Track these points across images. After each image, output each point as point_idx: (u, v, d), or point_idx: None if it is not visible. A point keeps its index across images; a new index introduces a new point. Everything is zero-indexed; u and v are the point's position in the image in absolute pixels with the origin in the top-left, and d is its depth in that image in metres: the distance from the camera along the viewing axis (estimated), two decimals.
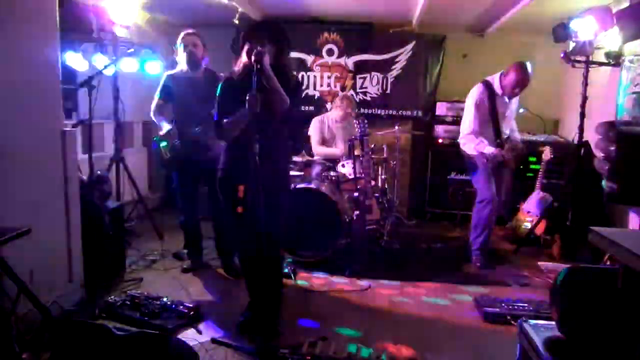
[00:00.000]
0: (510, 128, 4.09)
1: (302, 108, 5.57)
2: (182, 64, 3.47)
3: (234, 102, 2.43)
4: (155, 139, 3.57)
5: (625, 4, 3.85)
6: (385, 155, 4.80)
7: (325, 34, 5.65)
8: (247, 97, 2.30)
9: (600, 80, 4.34)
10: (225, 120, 2.51)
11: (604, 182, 1.31)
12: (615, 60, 4.04)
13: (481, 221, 3.91)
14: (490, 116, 3.86)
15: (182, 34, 3.46)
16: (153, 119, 3.57)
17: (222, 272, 3.68)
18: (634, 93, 3.83)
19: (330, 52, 5.69)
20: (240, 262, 2.87)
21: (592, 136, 3.21)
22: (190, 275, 3.59)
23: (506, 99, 3.88)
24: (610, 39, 4.03)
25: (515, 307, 3.00)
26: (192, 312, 2.80)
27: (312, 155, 4.54)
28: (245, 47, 2.46)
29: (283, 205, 2.73)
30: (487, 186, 3.88)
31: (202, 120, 3.42)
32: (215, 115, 2.58)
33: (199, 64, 3.45)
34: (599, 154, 1.33)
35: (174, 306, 2.84)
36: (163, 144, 3.51)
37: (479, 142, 3.81)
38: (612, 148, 1.20)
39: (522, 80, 3.73)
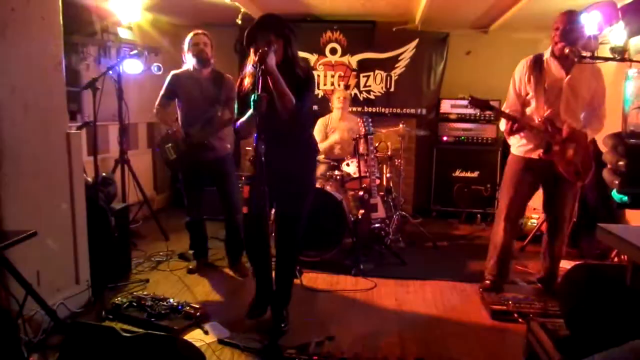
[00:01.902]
0: (586, 118, 3.05)
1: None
2: (188, 64, 3.45)
3: (247, 102, 2.44)
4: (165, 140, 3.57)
5: None
6: (389, 153, 4.79)
7: (328, 33, 5.64)
8: (252, 99, 2.31)
9: (606, 75, 4.30)
10: (238, 122, 2.55)
11: (614, 193, 1.30)
12: (620, 55, 4.00)
13: (492, 242, 3.29)
14: (535, 91, 3.01)
15: (191, 34, 3.42)
16: (156, 117, 3.56)
17: (228, 272, 3.68)
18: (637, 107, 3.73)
19: (333, 51, 5.68)
20: (249, 260, 2.88)
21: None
22: (196, 275, 3.59)
23: (562, 71, 2.97)
24: (616, 33, 3.99)
25: (523, 304, 2.99)
26: (198, 313, 2.80)
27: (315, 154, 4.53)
28: (252, 48, 2.46)
29: (300, 208, 2.69)
30: (505, 196, 3.18)
31: (207, 120, 3.42)
32: (235, 115, 2.65)
33: (209, 63, 3.43)
34: (607, 165, 1.34)
35: (180, 307, 2.84)
36: (168, 144, 3.51)
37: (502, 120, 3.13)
38: (621, 163, 1.19)
39: (562, 26, 2.89)
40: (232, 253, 3.68)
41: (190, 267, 3.70)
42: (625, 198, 1.27)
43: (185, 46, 3.42)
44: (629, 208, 1.35)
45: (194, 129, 3.42)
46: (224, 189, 3.55)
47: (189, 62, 3.43)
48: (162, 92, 3.50)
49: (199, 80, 3.42)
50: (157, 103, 3.51)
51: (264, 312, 2.82)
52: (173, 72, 3.52)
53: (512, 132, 3.05)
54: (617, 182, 1.25)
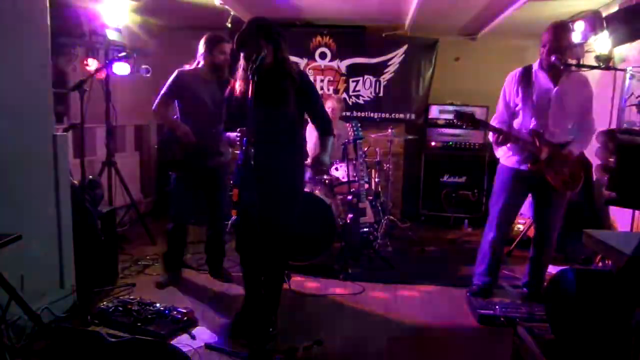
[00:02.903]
0: (575, 131, 3.07)
1: None
2: (202, 64, 3.30)
3: (237, 112, 2.44)
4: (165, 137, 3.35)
5: (615, 8, 3.90)
6: (378, 158, 4.81)
7: (318, 38, 5.66)
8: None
9: (591, 83, 4.38)
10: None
11: (603, 190, 1.32)
12: (605, 63, 4.08)
13: (482, 248, 3.31)
14: (523, 103, 3.03)
15: (218, 38, 3.28)
16: (156, 116, 3.34)
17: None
18: (634, 104, 3.75)
19: (322, 56, 5.69)
20: (240, 264, 2.85)
21: None
22: (183, 280, 3.55)
23: (550, 82, 2.99)
24: (601, 42, 4.06)
25: (509, 309, 3.01)
26: (185, 318, 2.77)
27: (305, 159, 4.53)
28: (243, 52, 2.46)
29: (288, 214, 2.69)
30: (495, 205, 3.21)
31: (217, 124, 3.28)
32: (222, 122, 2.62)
33: (225, 73, 3.33)
34: (598, 161, 1.35)
35: (167, 312, 2.82)
36: (174, 145, 3.27)
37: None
38: (612, 159, 1.19)
39: (552, 38, 2.90)
40: (214, 260, 3.59)
41: (161, 280, 3.46)
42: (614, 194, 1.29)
43: (205, 47, 3.25)
44: (617, 205, 1.37)
45: (204, 131, 3.27)
46: (217, 195, 3.46)
47: (204, 64, 3.28)
48: (165, 90, 3.27)
49: (208, 83, 3.28)
50: (159, 101, 3.27)
51: (250, 331, 2.65)
52: (180, 70, 3.31)
53: (497, 144, 3.08)
54: (606, 178, 1.26)
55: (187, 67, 3.36)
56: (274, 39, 2.50)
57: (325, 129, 2.79)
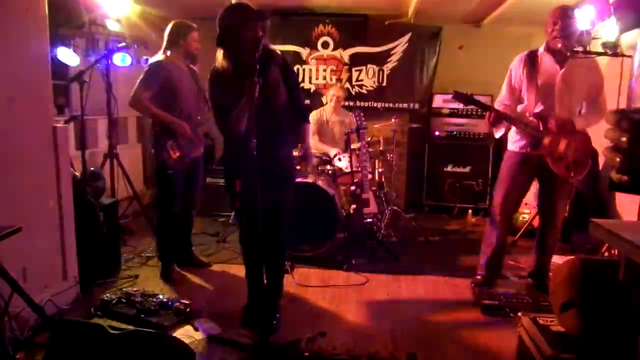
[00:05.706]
0: (584, 109, 3.06)
1: None
2: (174, 53, 3.29)
3: (231, 96, 2.40)
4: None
5: None
6: (381, 148, 4.77)
7: (321, 27, 5.60)
8: (246, 84, 2.28)
9: None
10: (231, 115, 2.46)
11: (613, 174, 1.25)
12: (612, 50, 4.01)
13: (486, 238, 3.27)
14: (528, 86, 3.01)
15: (190, 27, 3.26)
16: (145, 111, 3.23)
17: (218, 267, 3.64)
18: None
19: (325, 45, 5.64)
20: (243, 256, 2.83)
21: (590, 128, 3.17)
22: (185, 271, 3.54)
23: (556, 65, 2.96)
24: (608, 29, 3.99)
25: (514, 299, 2.99)
26: (188, 309, 2.77)
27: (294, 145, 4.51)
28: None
29: (286, 200, 2.69)
30: (499, 191, 3.17)
31: (196, 113, 3.32)
32: (214, 112, 2.56)
33: (195, 61, 3.41)
34: (607, 143, 1.27)
35: (170, 303, 2.81)
36: (169, 141, 3.19)
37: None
38: (624, 139, 1.14)
39: (558, 22, 2.89)
40: (188, 248, 3.57)
41: (167, 274, 3.38)
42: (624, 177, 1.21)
43: (179, 35, 3.21)
44: (627, 191, 1.29)
45: (190, 124, 3.25)
46: (195, 184, 3.43)
47: (177, 52, 3.23)
48: (150, 84, 3.12)
49: (184, 72, 3.27)
50: (144, 95, 3.10)
51: (261, 317, 2.66)
52: (157, 61, 3.18)
53: (491, 124, 3.02)
54: (618, 159, 1.19)
55: (158, 56, 3.24)
56: (262, 23, 2.45)
57: (302, 115, 2.77)
